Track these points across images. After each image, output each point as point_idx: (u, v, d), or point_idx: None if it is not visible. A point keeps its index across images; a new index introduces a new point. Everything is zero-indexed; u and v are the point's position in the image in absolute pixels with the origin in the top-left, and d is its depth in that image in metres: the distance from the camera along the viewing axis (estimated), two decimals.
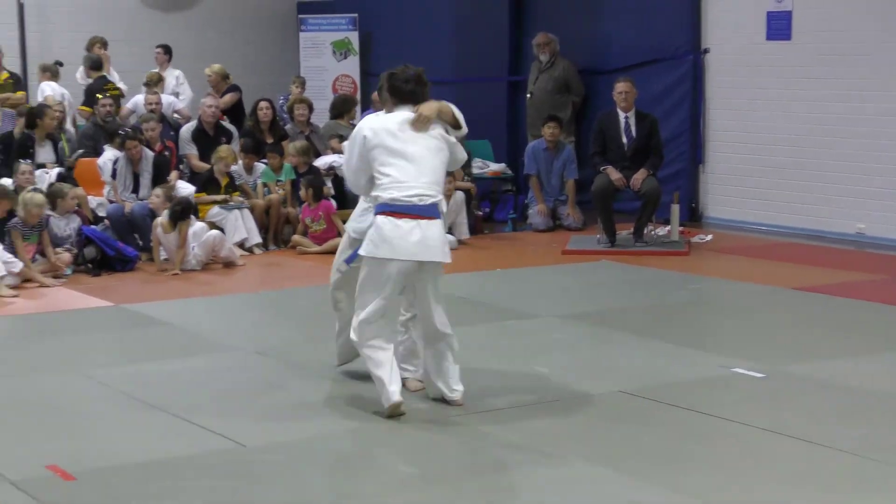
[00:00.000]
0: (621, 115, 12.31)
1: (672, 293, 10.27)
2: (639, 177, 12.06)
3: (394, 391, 6.53)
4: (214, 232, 11.51)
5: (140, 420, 6.65)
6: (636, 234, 12.26)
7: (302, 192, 12.32)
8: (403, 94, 6.83)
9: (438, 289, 6.79)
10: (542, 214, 13.58)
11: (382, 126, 6.71)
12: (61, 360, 7.95)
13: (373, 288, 6.61)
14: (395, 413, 6.52)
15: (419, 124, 6.69)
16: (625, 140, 12.30)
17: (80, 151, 13.22)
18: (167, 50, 15.83)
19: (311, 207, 12.22)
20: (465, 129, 6.90)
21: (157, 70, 15.39)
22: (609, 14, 14.82)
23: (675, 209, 12.52)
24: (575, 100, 14.67)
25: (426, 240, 6.54)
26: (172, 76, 15.64)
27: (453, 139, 6.85)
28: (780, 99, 13.19)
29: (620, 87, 12.31)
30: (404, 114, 6.74)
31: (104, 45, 15.50)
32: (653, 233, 12.48)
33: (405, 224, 6.51)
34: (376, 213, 6.58)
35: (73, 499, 5.45)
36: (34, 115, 12.91)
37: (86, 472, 5.72)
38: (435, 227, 6.59)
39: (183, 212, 11.21)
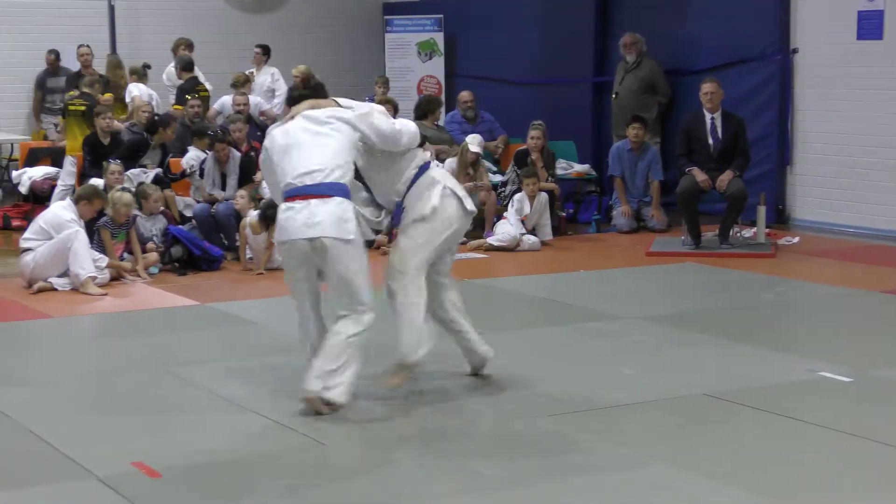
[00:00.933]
0: (707, 116, 12.20)
1: (758, 296, 10.16)
2: (724, 178, 11.95)
3: (307, 380, 6.60)
4: None
5: (224, 418, 6.71)
6: (721, 236, 12.14)
7: None
8: (292, 100, 7.13)
9: (348, 267, 6.60)
10: (626, 216, 13.50)
11: (274, 134, 6.87)
12: (147, 357, 8.04)
13: (287, 274, 6.86)
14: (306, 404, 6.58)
15: (287, 117, 6.87)
16: (711, 141, 12.19)
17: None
18: (265, 50, 15.98)
19: None
20: (347, 103, 6.91)
21: (244, 71, 15.55)
22: (696, 14, 14.70)
23: (762, 211, 12.39)
24: (661, 100, 14.56)
25: (313, 216, 6.51)
26: (268, 74, 15.78)
27: (351, 114, 6.79)
28: (870, 99, 12.98)
29: (706, 87, 12.20)
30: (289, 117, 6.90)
31: (189, 46, 15.69)
32: (738, 235, 12.36)
33: (297, 205, 6.57)
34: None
35: (158, 495, 5.51)
36: (159, 124, 13.09)
37: (171, 469, 5.78)
38: (326, 205, 6.52)
39: (275, 214, 11.26)
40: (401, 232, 7.02)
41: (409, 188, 6.98)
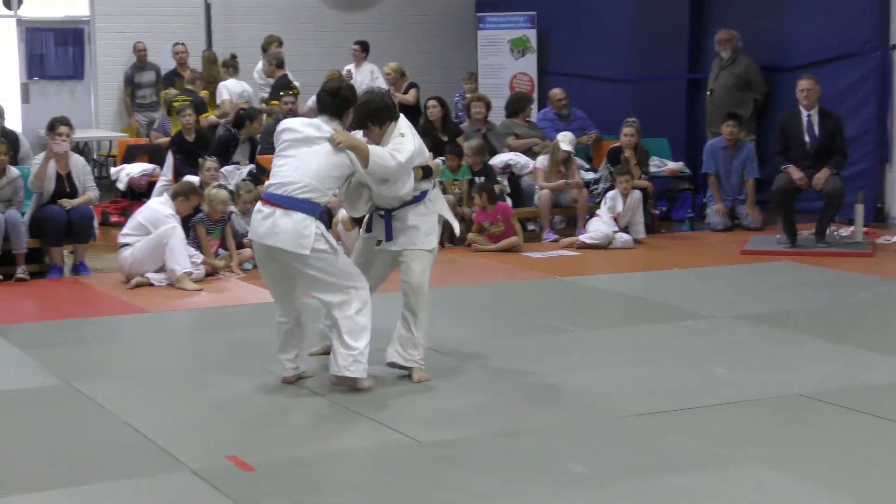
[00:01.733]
0: (804, 113, 12.04)
1: (855, 295, 10.00)
2: (821, 176, 11.78)
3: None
4: None
5: (317, 413, 6.75)
6: (818, 234, 11.97)
7: (476, 200, 12.24)
8: (319, 103, 7.34)
9: (321, 274, 6.95)
10: (720, 214, 13.37)
11: (292, 125, 7.19)
12: (242, 352, 8.11)
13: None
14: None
15: (337, 139, 6.99)
16: (807, 139, 12.02)
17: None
18: (364, 46, 16.05)
19: (487, 212, 12.17)
20: (372, 168, 7.03)
21: (336, 68, 15.64)
22: (793, 10, 14.50)
23: (860, 209, 12.20)
24: (756, 97, 14.39)
25: (275, 227, 6.88)
26: (367, 72, 15.84)
27: (360, 169, 7.06)
28: None
29: (803, 84, 12.04)
30: (317, 122, 7.12)
31: (280, 43, 15.81)
32: (835, 233, 12.19)
33: (265, 209, 6.96)
34: None
35: (252, 489, 5.55)
36: (245, 118, 13.23)
37: (264, 463, 5.82)
38: (288, 218, 6.85)
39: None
40: (411, 258, 7.29)
41: (404, 204, 7.29)
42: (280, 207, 6.87)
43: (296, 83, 15.28)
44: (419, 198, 7.30)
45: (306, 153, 6.96)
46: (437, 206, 7.50)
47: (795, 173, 11.82)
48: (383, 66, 15.48)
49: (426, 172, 7.32)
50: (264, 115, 14.00)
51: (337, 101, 7.15)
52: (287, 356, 7.26)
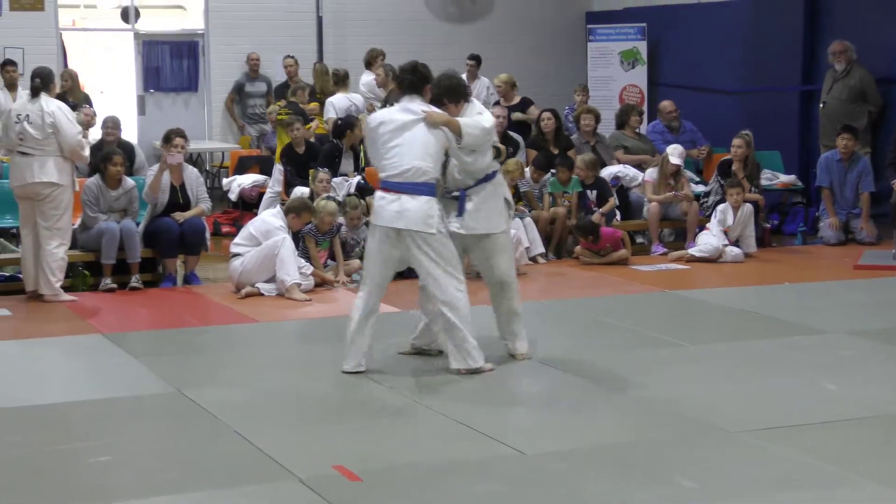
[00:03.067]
0: None
1: None
2: None
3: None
4: None
5: (423, 424, 6.77)
6: None
7: (579, 248, 12.15)
8: (404, 84, 7.77)
9: (436, 260, 7.50)
10: (833, 228, 13.16)
11: (385, 117, 7.74)
12: None
13: (369, 254, 7.76)
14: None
15: (428, 119, 7.55)
16: None
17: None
18: (478, 61, 16.06)
19: (595, 245, 12.09)
20: (466, 140, 7.59)
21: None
22: None
23: None
24: (871, 109, 14.15)
25: (402, 209, 7.42)
26: (483, 86, 15.83)
27: (454, 144, 7.61)
28: None
29: None
30: (405, 104, 7.66)
31: (384, 56, 15.86)
32: None
33: (389, 195, 7.48)
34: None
35: (358, 498, 5.58)
36: (344, 127, 13.34)
37: (371, 473, 5.85)
38: (415, 201, 7.42)
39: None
40: (492, 252, 7.87)
41: (477, 183, 7.79)
42: (405, 193, 7.44)
43: None
44: (490, 176, 7.82)
45: (409, 138, 7.51)
46: (503, 189, 8.00)
47: None
48: (494, 77, 15.47)
49: (496, 153, 7.92)
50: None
51: (416, 76, 7.69)
52: (362, 345, 7.72)
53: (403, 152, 7.48)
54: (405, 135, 7.51)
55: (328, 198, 11.43)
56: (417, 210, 7.42)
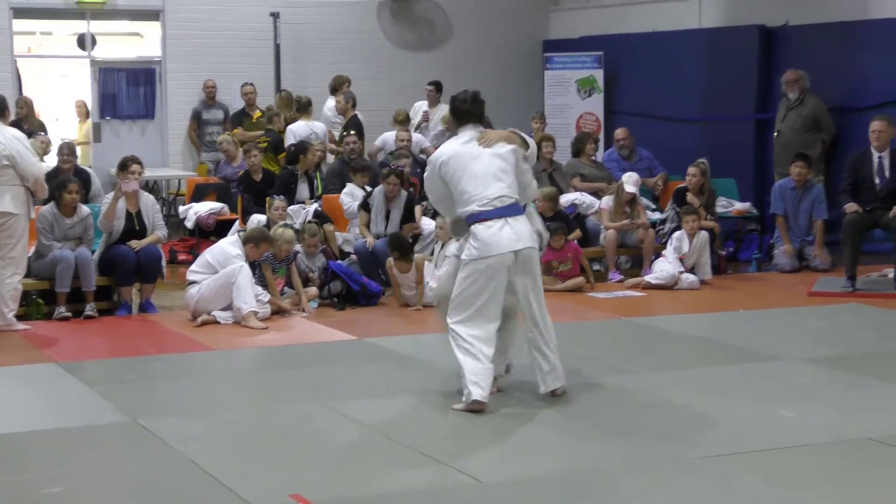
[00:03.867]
0: (875, 154, 11.94)
1: None
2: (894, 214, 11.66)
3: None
4: None
5: (380, 452, 6.74)
6: None
7: (553, 242, 12.14)
8: (461, 114, 7.83)
9: (536, 276, 7.61)
10: (788, 255, 13.24)
11: (452, 151, 7.66)
12: (307, 391, 8.14)
13: (476, 289, 7.41)
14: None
15: (483, 142, 7.60)
16: (877, 180, 11.92)
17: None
18: (438, 87, 16.11)
19: (557, 251, 12.11)
20: (533, 147, 7.88)
21: (405, 108, 15.69)
22: (862, 49, 14.39)
23: None
24: (825, 138, 14.28)
25: (516, 232, 7.44)
26: (443, 111, 15.86)
27: (522, 158, 7.74)
28: None
29: (876, 125, 11.94)
30: (468, 134, 7.70)
31: (349, 83, 15.90)
32: None
33: (495, 223, 7.41)
34: (469, 224, 7.46)
35: None
36: (297, 152, 13.32)
37: (327, 502, 5.83)
38: (518, 222, 7.48)
39: (396, 248, 11.28)
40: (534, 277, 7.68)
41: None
42: (509, 217, 7.47)
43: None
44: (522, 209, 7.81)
45: (483, 166, 7.52)
46: (534, 220, 8.12)
47: (851, 207, 11.72)
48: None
49: None
50: (319, 152, 14.00)
51: (480, 105, 7.86)
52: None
53: (480, 181, 7.47)
54: (475, 165, 7.52)
55: (285, 225, 11.40)
56: (526, 229, 7.52)
